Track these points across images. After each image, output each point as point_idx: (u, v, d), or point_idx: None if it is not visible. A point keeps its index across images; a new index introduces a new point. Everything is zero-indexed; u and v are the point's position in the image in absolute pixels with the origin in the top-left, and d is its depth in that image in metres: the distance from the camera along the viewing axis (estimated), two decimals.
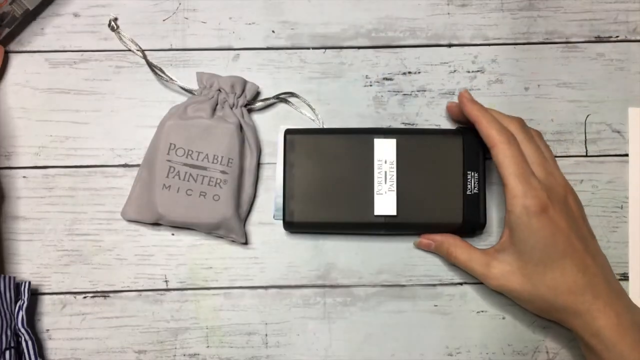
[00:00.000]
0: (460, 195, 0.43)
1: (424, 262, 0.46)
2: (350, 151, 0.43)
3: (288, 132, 0.44)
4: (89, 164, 0.47)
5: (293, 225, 0.44)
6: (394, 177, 0.43)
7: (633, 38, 0.49)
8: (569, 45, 0.49)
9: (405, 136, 0.44)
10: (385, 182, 0.43)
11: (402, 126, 0.47)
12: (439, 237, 0.44)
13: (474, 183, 0.43)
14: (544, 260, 0.39)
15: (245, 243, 0.46)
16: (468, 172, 0.43)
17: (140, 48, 0.47)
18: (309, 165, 0.43)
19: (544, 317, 0.43)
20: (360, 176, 0.43)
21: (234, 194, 0.44)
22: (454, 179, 0.43)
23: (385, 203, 0.43)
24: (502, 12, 0.49)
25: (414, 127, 0.47)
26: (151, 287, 0.45)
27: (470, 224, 0.44)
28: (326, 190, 0.43)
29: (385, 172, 0.43)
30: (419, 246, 0.45)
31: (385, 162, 0.43)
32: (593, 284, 0.39)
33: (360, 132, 0.44)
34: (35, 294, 0.45)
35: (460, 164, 0.43)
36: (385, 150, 0.43)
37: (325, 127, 0.47)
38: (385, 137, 0.43)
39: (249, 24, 0.49)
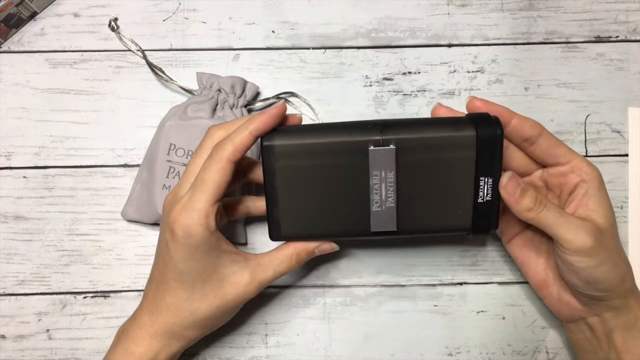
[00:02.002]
0: (470, 204, 0.37)
1: (424, 262, 0.46)
2: (341, 158, 0.37)
3: (265, 136, 0.37)
4: (89, 164, 0.47)
5: (280, 239, 0.39)
6: (394, 190, 0.37)
7: (633, 38, 0.49)
8: (569, 45, 0.49)
9: (406, 139, 0.36)
10: (384, 197, 0.37)
11: None
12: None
13: (487, 190, 0.37)
14: (615, 226, 0.39)
15: (245, 243, 0.46)
16: (481, 179, 0.37)
17: (140, 48, 0.47)
18: (293, 174, 0.37)
19: (594, 285, 0.38)
20: (354, 187, 0.37)
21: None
22: (464, 187, 0.37)
23: (383, 219, 0.37)
24: (502, 12, 0.49)
25: (416, 117, 0.47)
26: None
27: (479, 232, 0.39)
28: (315, 202, 0.38)
29: (383, 186, 0.37)
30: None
31: (383, 174, 0.37)
32: None
33: (352, 131, 0.37)
34: (35, 294, 0.45)
35: (472, 168, 0.37)
36: (382, 161, 0.36)
37: (311, 122, 0.45)
38: (382, 146, 0.36)
39: (249, 24, 0.49)
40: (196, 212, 0.35)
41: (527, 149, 0.39)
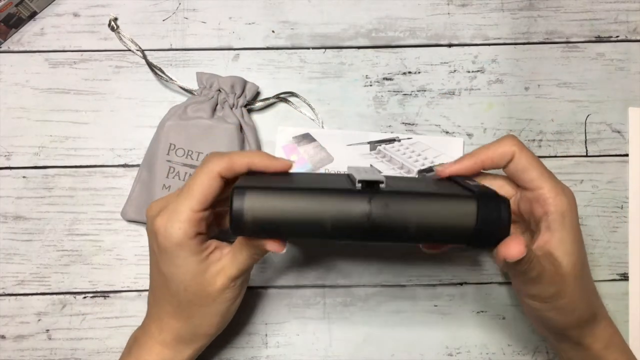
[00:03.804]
0: (468, 192, 0.32)
1: (424, 262, 0.46)
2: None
3: (237, 189, 0.31)
4: (89, 164, 0.47)
5: (245, 227, 0.31)
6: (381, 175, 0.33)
7: (633, 38, 0.49)
8: (569, 45, 0.49)
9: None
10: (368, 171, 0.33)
11: (402, 126, 0.47)
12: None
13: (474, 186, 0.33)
14: (586, 260, 0.37)
15: None
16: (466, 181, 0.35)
17: (140, 48, 0.47)
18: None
19: (558, 325, 0.37)
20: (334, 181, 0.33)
21: None
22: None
23: (369, 171, 0.33)
24: (502, 12, 0.49)
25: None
26: None
27: (488, 214, 0.31)
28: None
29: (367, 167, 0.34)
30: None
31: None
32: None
33: (336, 199, 0.31)
34: (35, 294, 0.45)
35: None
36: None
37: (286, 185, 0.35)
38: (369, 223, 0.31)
39: (249, 24, 0.49)
40: (176, 215, 0.35)
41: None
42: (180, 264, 0.35)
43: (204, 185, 0.34)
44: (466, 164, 0.37)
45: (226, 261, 0.36)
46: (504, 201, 0.31)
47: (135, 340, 0.39)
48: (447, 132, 0.47)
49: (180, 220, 0.34)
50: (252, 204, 0.30)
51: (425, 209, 0.31)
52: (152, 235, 0.36)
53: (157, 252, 0.36)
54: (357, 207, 0.30)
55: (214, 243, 0.37)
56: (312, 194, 0.31)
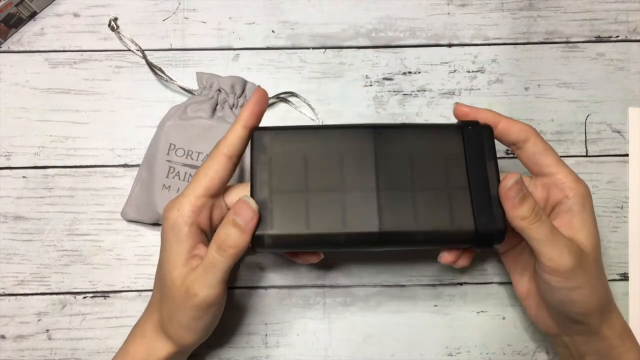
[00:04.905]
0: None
1: (424, 262, 0.46)
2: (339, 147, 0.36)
3: (257, 130, 0.36)
4: (89, 164, 0.47)
5: (264, 246, 0.35)
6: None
7: (633, 38, 0.49)
8: (569, 45, 0.49)
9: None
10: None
11: None
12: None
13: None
14: (599, 248, 0.37)
15: None
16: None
17: (140, 48, 0.47)
18: (283, 164, 0.36)
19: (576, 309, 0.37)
20: (356, 180, 0.36)
21: None
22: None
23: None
24: (502, 12, 0.49)
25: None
26: (151, 287, 0.45)
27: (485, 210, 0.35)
28: (308, 197, 0.35)
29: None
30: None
31: None
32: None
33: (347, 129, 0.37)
34: (35, 294, 0.45)
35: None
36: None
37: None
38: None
39: (249, 24, 0.49)
40: (180, 198, 0.35)
41: (516, 153, 0.38)
42: (168, 248, 0.35)
43: (211, 170, 0.35)
44: (483, 112, 0.37)
45: (197, 275, 0.34)
46: (486, 126, 0.36)
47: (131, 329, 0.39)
48: None
49: (182, 203, 0.35)
50: (272, 139, 0.36)
51: (420, 133, 0.36)
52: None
53: (161, 236, 0.36)
54: (364, 134, 0.36)
55: (204, 251, 0.35)
56: (325, 127, 0.38)
